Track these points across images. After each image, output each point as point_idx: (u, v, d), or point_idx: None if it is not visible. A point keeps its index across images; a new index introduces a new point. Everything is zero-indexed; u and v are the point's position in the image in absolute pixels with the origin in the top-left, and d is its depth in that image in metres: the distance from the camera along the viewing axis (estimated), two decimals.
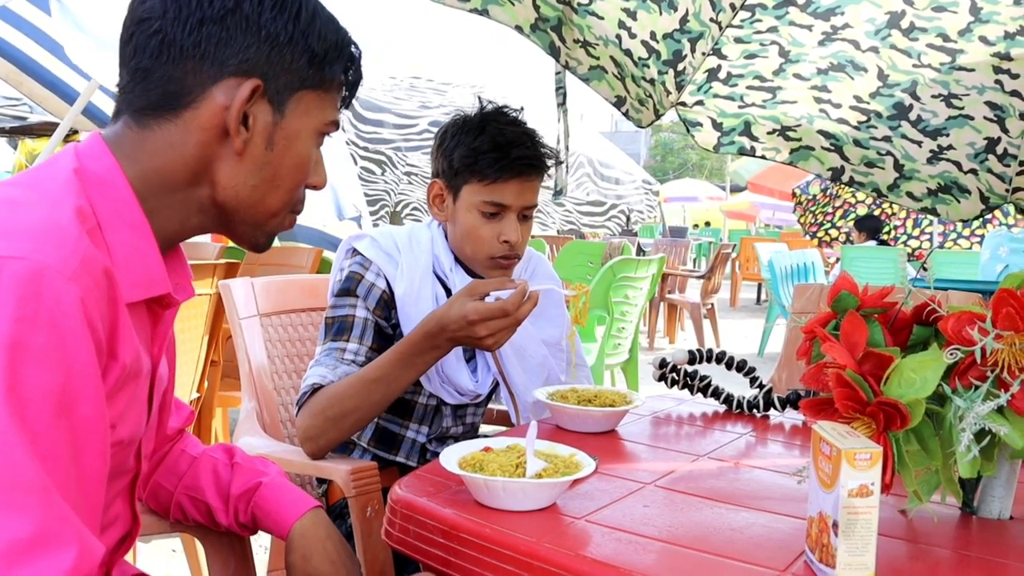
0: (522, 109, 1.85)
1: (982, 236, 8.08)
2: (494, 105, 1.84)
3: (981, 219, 2.68)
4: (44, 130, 7.55)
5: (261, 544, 2.45)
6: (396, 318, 1.77)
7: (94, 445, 0.83)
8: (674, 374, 1.88)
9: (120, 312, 0.88)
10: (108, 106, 4.50)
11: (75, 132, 6.88)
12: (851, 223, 9.60)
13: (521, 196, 1.75)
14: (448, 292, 1.81)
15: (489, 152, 1.71)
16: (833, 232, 10.21)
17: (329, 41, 1.02)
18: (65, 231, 0.83)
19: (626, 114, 2.37)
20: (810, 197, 10.53)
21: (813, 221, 10.65)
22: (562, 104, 2.61)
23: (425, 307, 1.73)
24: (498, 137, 1.72)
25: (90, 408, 0.81)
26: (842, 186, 9.37)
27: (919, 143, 2.47)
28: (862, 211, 9.91)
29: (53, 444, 0.77)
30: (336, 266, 1.85)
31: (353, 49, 1.07)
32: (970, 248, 8.99)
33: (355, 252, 1.81)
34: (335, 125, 1.08)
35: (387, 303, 1.76)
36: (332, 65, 1.03)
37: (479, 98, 1.88)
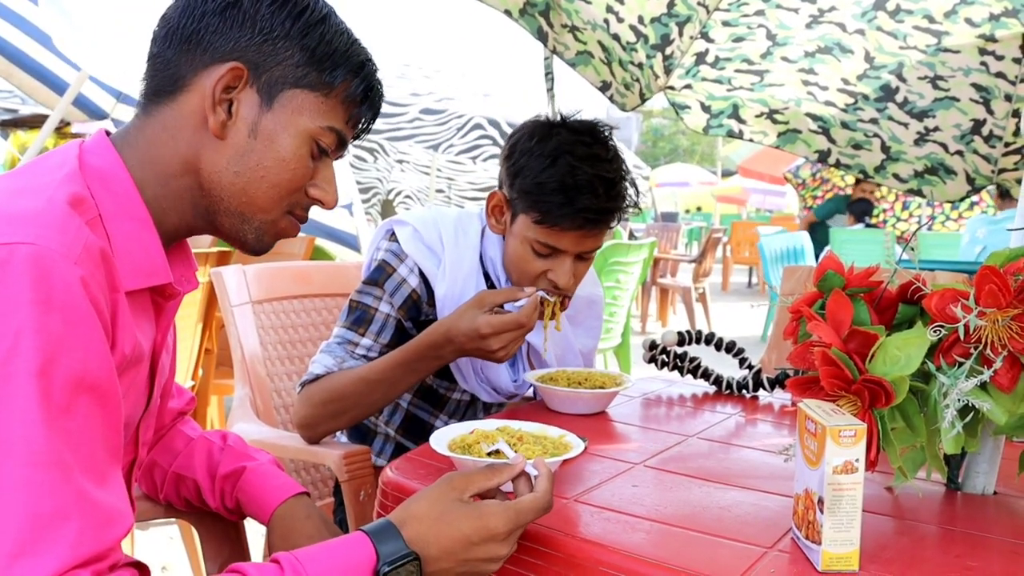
0: (611, 133, 1.64)
1: (981, 216, 8.13)
2: (577, 121, 1.64)
3: (968, 201, 2.71)
4: (35, 122, 7.52)
5: (260, 531, 2.46)
6: (427, 315, 1.70)
7: (113, 419, 0.85)
8: (664, 356, 1.89)
9: (119, 300, 0.90)
10: (99, 97, 4.47)
11: (67, 124, 6.85)
12: None
13: (580, 244, 1.60)
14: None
15: (554, 194, 1.53)
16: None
17: (332, 46, 1.03)
18: (65, 218, 0.85)
19: (611, 98, 2.38)
20: (800, 181, 10.55)
21: (804, 205, 10.67)
22: (550, 89, 2.62)
23: None
24: (567, 178, 1.53)
25: (106, 384, 0.83)
26: (831, 169, 9.41)
27: (906, 125, 2.48)
28: (852, 193, 9.92)
29: (74, 422, 0.79)
30: (373, 243, 1.76)
31: (366, 62, 1.07)
32: (958, 230, 9.03)
33: (393, 236, 1.70)
34: (334, 136, 1.06)
35: (415, 303, 1.68)
36: (334, 71, 1.03)
37: (559, 113, 1.67)
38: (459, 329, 1.49)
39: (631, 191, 1.63)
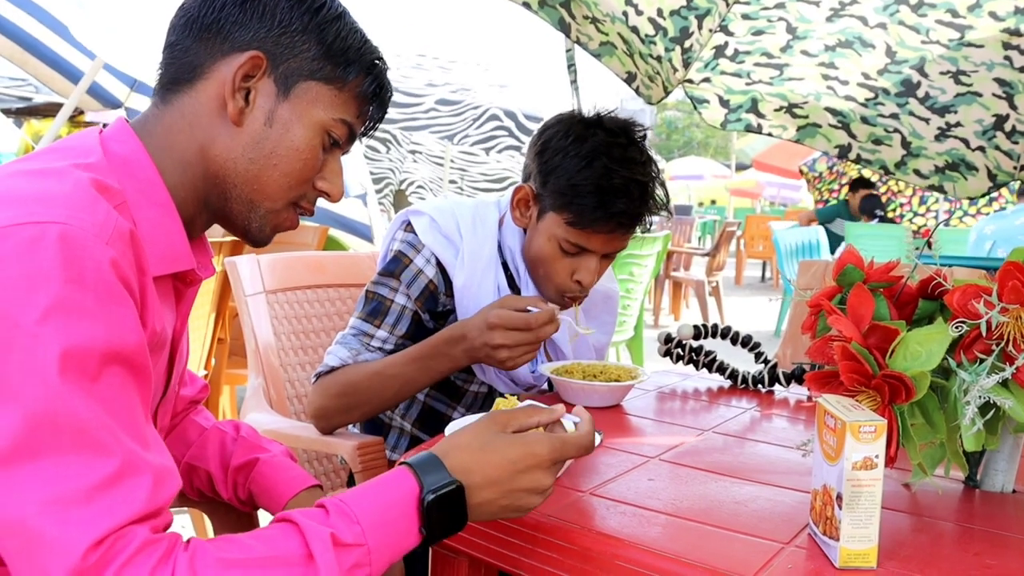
0: (645, 134, 1.63)
1: (988, 215, 8.08)
2: (613, 120, 1.61)
3: (987, 197, 2.68)
4: (49, 110, 7.56)
5: None
6: (445, 306, 1.69)
7: (145, 391, 0.86)
8: (679, 349, 1.88)
9: (148, 282, 0.91)
10: (113, 86, 4.49)
11: (80, 112, 6.88)
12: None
13: (609, 245, 1.60)
14: (511, 284, 1.73)
15: (588, 196, 1.52)
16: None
17: (347, 42, 1.06)
18: (95, 201, 0.86)
19: (636, 90, 2.37)
20: (816, 175, 10.50)
21: (819, 199, 10.63)
22: (574, 82, 2.61)
23: (485, 301, 1.63)
24: (603, 180, 1.51)
25: (139, 358, 0.85)
26: (848, 163, 9.38)
27: (927, 120, 2.46)
28: None
29: (110, 391, 0.80)
30: (389, 234, 1.74)
31: (377, 61, 1.10)
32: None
33: (409, 226, 1.69)
34: (345, 128, 1.08)
35: (432, 294, 1.66)
36: (348, 66, 1.06)
37: (595, 109, 1.64)
38: (472, 322, 1.49)
39: (661, 193, 1.62)
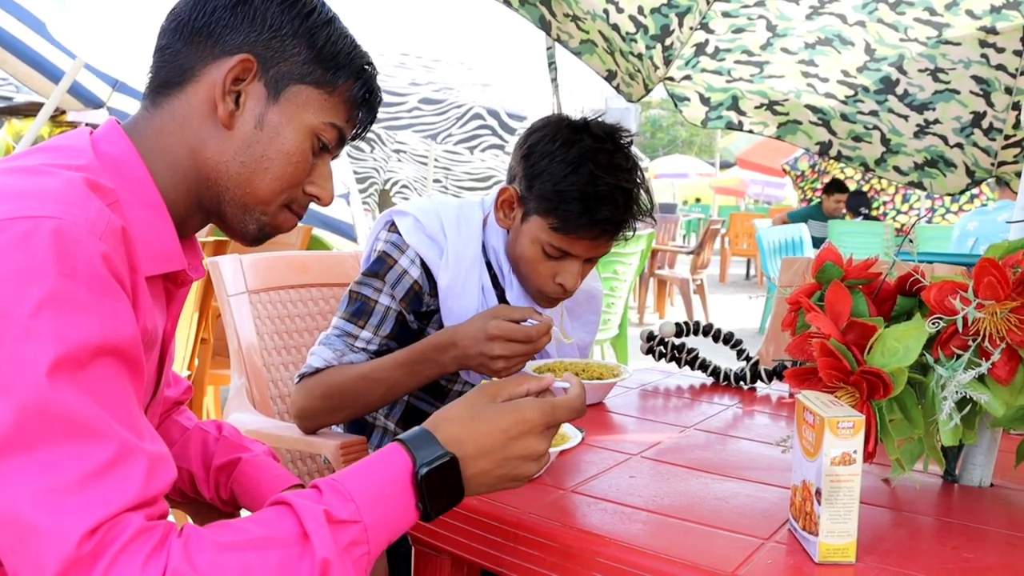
0: (631, 141, 1.63)
1: (970, 211, 8.14)
2: (599, 126, 1.61)
3: (968, 194, 2.71)
4: (31, 110, 7.49)
5: None
6: (429, 306, 1.68)
7: (139, 383, 0.86)
8: (662, 347, 1.89)
9: (139, 280, 0.91)
10: (95, 86, 4.46)
11: (62, 112, 6.83)
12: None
13: (593, 250, 1.61)
14: (495, 284, 1.72)
15: (574, 202, 1.52)
16: None
17: (337, 47, 1.06)
18: (87, 197, 0.86)
19: (617, 88, 2.37)
20: (799, 173, 10.55)
21: (802, 197, 10.68)
22: (554, 80, 2.61)
23: (469, 301, 1.65)
24: (589, 187, 1.52)
25: (133, 351, 0.84)
26: (831, 161, 9.42)
27: (906, 117, 2.48)
28: (851, 187, 9.94)
29: (104, 382, 0.80)
30: (373, 234, 1.73)
31: (367, 66, 1.10)
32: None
33: (393, 227, 1.68)
34: (335, 132, 1.08)
35: (417, 294, 1.66)
36: (338, 70, 1.06)
37: (583, 115, 1.64)
38: (465, 330, 1.49)
39: (646, 199, 1.62)
